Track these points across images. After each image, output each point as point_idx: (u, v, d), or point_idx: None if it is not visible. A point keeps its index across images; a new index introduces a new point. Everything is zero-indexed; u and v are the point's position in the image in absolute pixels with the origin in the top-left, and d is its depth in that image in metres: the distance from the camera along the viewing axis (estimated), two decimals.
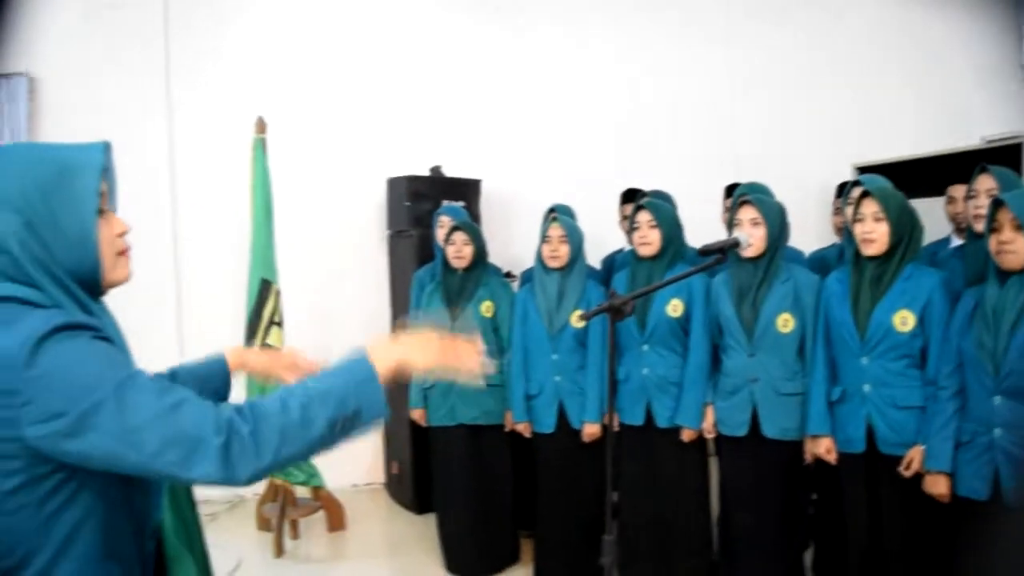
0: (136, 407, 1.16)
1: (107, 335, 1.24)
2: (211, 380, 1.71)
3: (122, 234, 1.35)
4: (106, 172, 1.32)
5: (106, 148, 1.32)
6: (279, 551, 4.48)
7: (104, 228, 1.30)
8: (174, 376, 1.64)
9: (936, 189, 4.03)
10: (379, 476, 5.63)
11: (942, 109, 5.37)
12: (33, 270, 1.23)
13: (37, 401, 1.14)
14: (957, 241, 3.69)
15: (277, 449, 1.21)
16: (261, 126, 4.55)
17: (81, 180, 1.26)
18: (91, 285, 1.30)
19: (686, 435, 3.49)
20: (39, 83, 5.22)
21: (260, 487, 4.96)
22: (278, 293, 4.50)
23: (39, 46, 5.21)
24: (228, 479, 1.18)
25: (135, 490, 1.32)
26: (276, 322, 4.47)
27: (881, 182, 3.11)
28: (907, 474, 2.87)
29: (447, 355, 1.42)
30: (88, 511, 1.25)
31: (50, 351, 1.15)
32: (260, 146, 4.53)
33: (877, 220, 2.92)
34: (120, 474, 1.22)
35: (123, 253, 1.35)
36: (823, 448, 3.12)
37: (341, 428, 1.26)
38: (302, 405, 1.24)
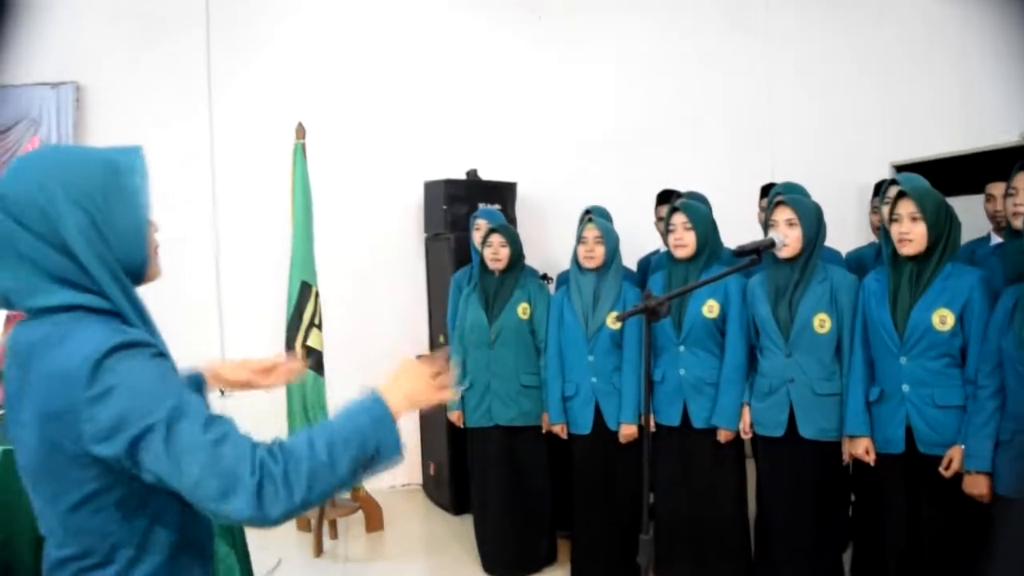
0: (183, 437, 1.21)
1: (163, 350, 1.29)
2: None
3: (156, 232, 1.42)
4: (146, 174, 1.39)
5: (141, 151, 1.38)
6: (318, 550, 4.55)
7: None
8: None
9: (976, 187, 3.99)
10: (416, 477, 5.68)
11: (981, 106, 5.30)
12: (96, 268, 1.27)
13: (96, 420, 1.20)
14: (997, 239, 3.65)
15: (307, 490, 1.25)
16: (301, 132, 4.63)
17: (131, 180, 1.33)
18: (136, 280, 1.37)
19: (723, 436, 3.50)
20: (85, 91, 5.34)
21: None
22: (317, 295, 4.58)
23: (86, 55, 5.33)
24: (259, 519, 1.22)
25: None
26: (316, 324, 4.55)
27: (917, 181, 3.09)
28: (947, 474, 2.85)
29: (436, 389, 1.49)
30: (163, 508, 1.31)
31: (109, 371, 1.20)
32: (300, 151, 4.62)
33: (914, 220, 2.91)
34: None
35: (156, 250, 1.42)
36: (861, 448, 3.11)
37: (362, 468, 1.32)
38: (328, 446, 1.28)
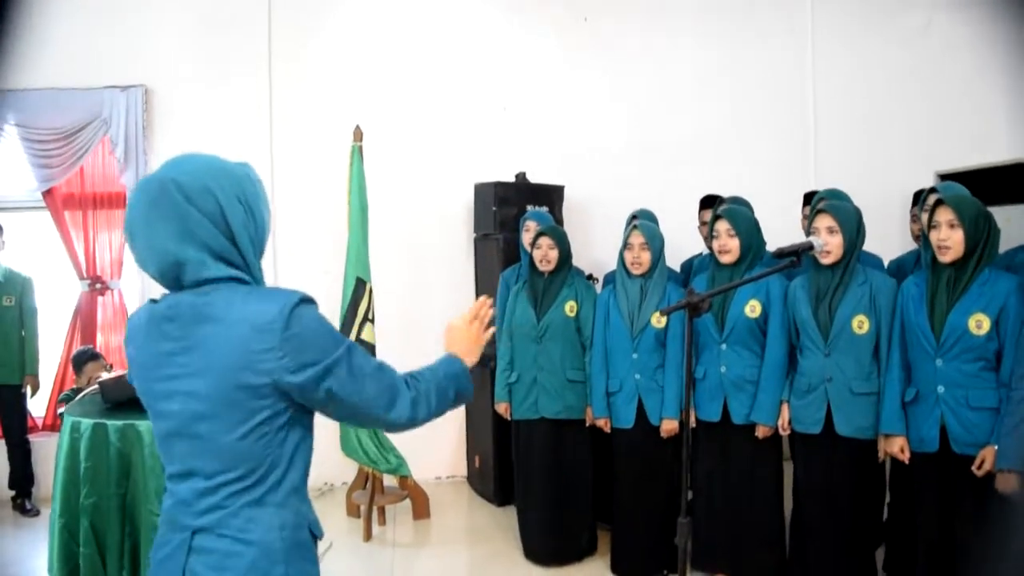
0: (360, 366, 1.61)
1: None
2: None
3: None
4: None
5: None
6: (367, 535, 4.73)
7: None
8: None
9: (1021, 196, 4.05)
10: (462, 469, 5.85)
11: None
12: (248, 250, 1.60)
13: (292, 355, 1.52)
14: None
15: (437, 404, 1.73)
16: (358, 134, 4.83)
17: (260, 186, 1.67)
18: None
19: (761, 432, 3.61)
20: (153, 94, 5.60)
21: (349, 475, 5.24)
22: (371, 291, 4.77)
23: (154, 60, 5.59)
24: (411, 420, 1.68)
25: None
26: (369, 319, 4.74)
27: (956, 189, 3.18)
28: (979, 473, 2.94)
29: (477, 335, 1.94)
30: (302, 436, 1.64)
31: (300, 317, 1.53)
32: (357, 153, 4.82)
33: (952, 227, 3.00)
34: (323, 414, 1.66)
35: None
36: (896, 447, 3.20)
37: (456, 398, 1.80)
38: (442, 378, 1.77)
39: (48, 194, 5.51)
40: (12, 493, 5.35)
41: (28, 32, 5.43)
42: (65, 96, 5.46)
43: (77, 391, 4.33)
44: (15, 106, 5.44)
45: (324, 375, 1.55)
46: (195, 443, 1.58)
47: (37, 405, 5.58)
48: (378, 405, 1.63)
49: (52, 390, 5.59)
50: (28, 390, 5.35)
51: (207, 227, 1.54)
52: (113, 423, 2.79)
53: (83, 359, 4.83)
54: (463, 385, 1.82)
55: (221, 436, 1.56)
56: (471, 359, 1.89)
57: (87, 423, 2.79)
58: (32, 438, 5.43)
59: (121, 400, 2.93)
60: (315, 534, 1.69)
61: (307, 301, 1.57)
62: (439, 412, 1.75)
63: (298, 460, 1.64)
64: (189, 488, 1.59)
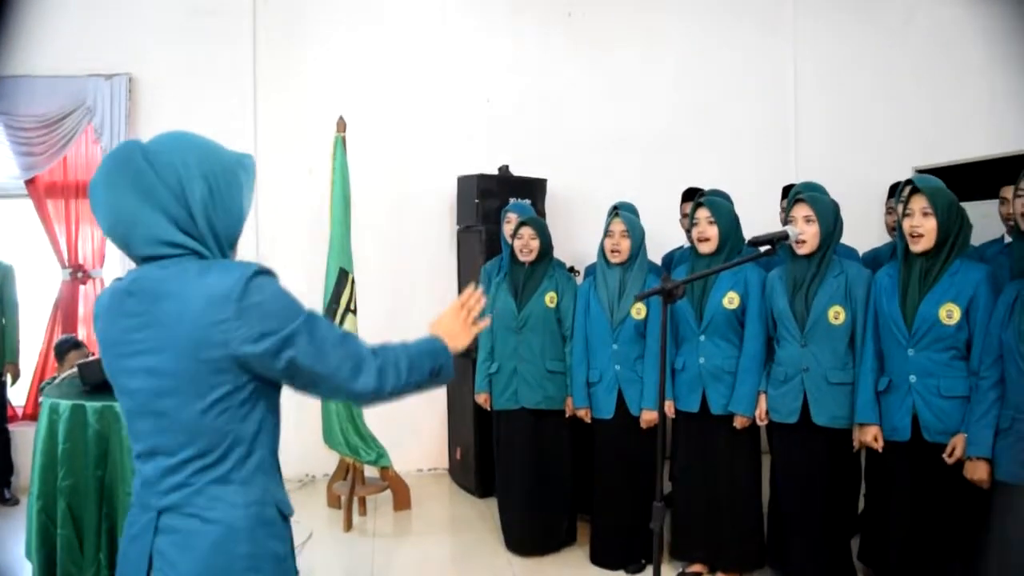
0: (321, 334, 1.56)
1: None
2: None
3: None
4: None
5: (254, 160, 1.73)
6: (348, 526, 4.75)
7: None
8: None
9: (997, 192, 4.09)
10: (443, 462, 5.87)
11: (1006, 112, 5.38)
12: (203, 225, 1.56)
13: (249, 325, 1.49)
14: (1009, 240, 3.76)
15: (407, 377, 1.66)
16: (342, 125, 4.84)
17: (248, 175, 1.66)
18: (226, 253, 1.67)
19: (739, 422, 3.65)
20: (137, 83, 5.60)
21: (331, 466, 5.25)
22: (354, 282, 4.79)
23: (138, 49, 5.59)
24: (377, 391, 1.62)
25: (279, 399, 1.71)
26: (351, 309, 4.76)
27: (931, 180, 3.22)
28: (950, 461, 2.99)
29: (468, 326, 1.90)
30: (265, 413, 1.61)
31: (257, 287, 1.51)
32: (340, 144, 4.83)
33: (925, 215, 3.05)
34: (278, 385, 1.62)
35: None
36: (870, 436, 3.25)
37: (432, 377, 1.73)
38: (417, 352, 1.71)
39: (31, 182, 5.50)
40: None
41: (13, 19, 5.42)
42: (49, 84, 5.45)
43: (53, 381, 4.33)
44: None
45: (284, 344, 1.52)
46: (158, 420, 1.57)
47: (18, 394, 5.56)
48: (341, 375, 1.58)
49: (33, 379, 5.57)
50: (8, 378, 5.33)
51: (165, 195, 1.53)
52: (91, 404, 2.80)
53: (65, 348, 4.82)
54: (440, 362, 1.75)
55: (182, 412, 1.54)
56: (455, 343, 1.84)
57: (65, 404, 2.80)
58: (12, 427, 5.41)
59: (100, 382, 2.94)
60: (283, 512, 1.66)
61: (265, 272, 1.55)
62: (413, 386, 1.69)
63: (264, 437, 1.62)
64: (154, 467, 1.58)
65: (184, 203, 1.54)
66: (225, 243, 1.62)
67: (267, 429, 1.62)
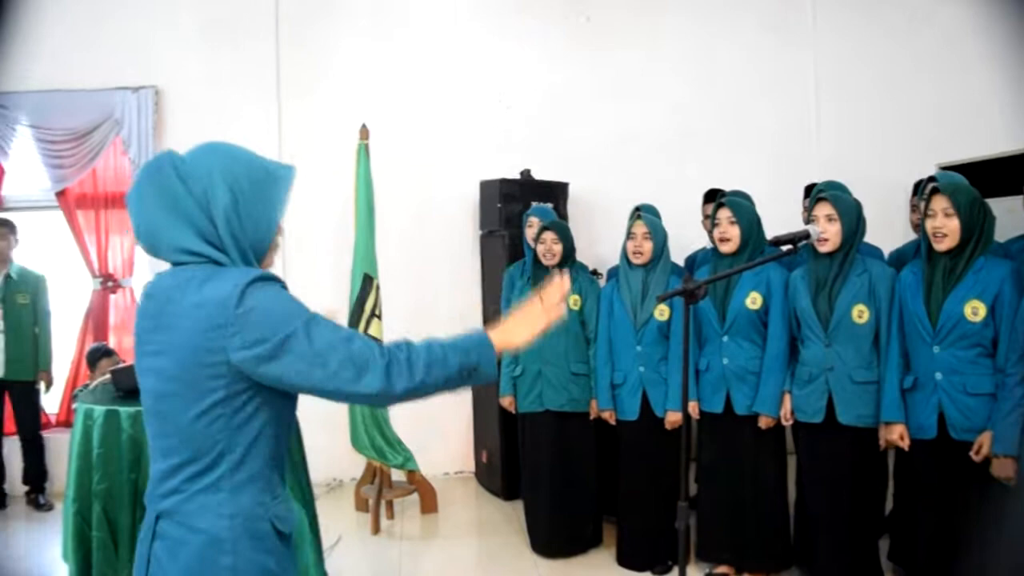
0: (320, 337, 1.52)
1: (287, 288, 1.61)
2: None
3: (280, 233, 1.74)
4: (291, 187, 1.71)
5: (294, 171, 1.73)
6: (376, 528, 4.79)
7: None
8: None
9: (1021, 188, 4.07)
10: (469, 465, 5.90)
11: None
12: (226, 237, 1.59)
13: (244, 331, 1.50)
14: None
15: (424, 375, 1.56)
16: (365, 133, 4.90)
17: (278, 187, 1.67)
18: (256, 263, 1.68)
19: (764, 422, 3.65)
20: (164, 95, 5.69)
21: (358, 470, 5.30)
22: (378, 287, 4.83)
23: (164, 61, 5.68)
24: (386, 390, 1.53)
25: (293, 411, 1.70)
26: (376, 314, 4.80)
27: (952, 178, 3.21)
28: (977, 458, 2.98)
29: (542, 316, 1.73)
30: (265, 424, 1.59)
31: (253, 294, 1.52)
32: (363, 151, 4.89)
33: (947, 215, 3.05)
34: (288, 395, 1.62)
35: (275, 248, 1.75)
36: (896, 434, 3.25)
37: (466, 375, 1.62)
38: (442, 348, 1.60)
39: (61, 194, 5.60)
40: (26, 488, 5.43)
41: (41, 34, 5.54)
42: (78, 97, 5.55)
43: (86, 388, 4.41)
44: (28, 107, 5.53)
45: (278, 350, 1.50)
46: (160, 422, 1.61)
47: (51, 401, 5.66)
48: (343, 378, 1.52)
49: (65, 387, 5.67)
50: (42, 386, 5.44)
51: (190, 205, 1.57)
52: (125, 410, 2.87)
53: (97, 355, 4.90)
54: (474, 360, 1.62)
55: (179, 416, 1.56)
56: (513, 337, 1.70)
57: (100, 410, 2.87)
58: (45, 434, 5.51)
59: (132, 388, 3.00)
60: (278, 528, 1.63)
61: (266, 279, 1.55)
62: (435, 385, 1.59)
63: (261, 447, 1.60)
64: (156, 469, 1.62)
65: (208, 213, 1.58)
66: (251, 252, 1.64)
67: (266, 441, 1.61)
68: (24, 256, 5.47)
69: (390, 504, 5.04)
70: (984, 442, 2.96)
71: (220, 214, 1.58)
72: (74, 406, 4.68)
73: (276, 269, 5.24)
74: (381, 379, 1.53)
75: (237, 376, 1.53)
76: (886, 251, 4.25)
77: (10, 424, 5.42)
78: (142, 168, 1.62)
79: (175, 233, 1.58)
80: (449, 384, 1.61)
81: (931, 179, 3.26)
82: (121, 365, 3.54)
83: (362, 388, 1.53)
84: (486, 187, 5.55)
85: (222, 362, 1.51)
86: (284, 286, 1.60)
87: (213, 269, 1.57)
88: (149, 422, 1.64)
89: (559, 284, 1.76)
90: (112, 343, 5.58)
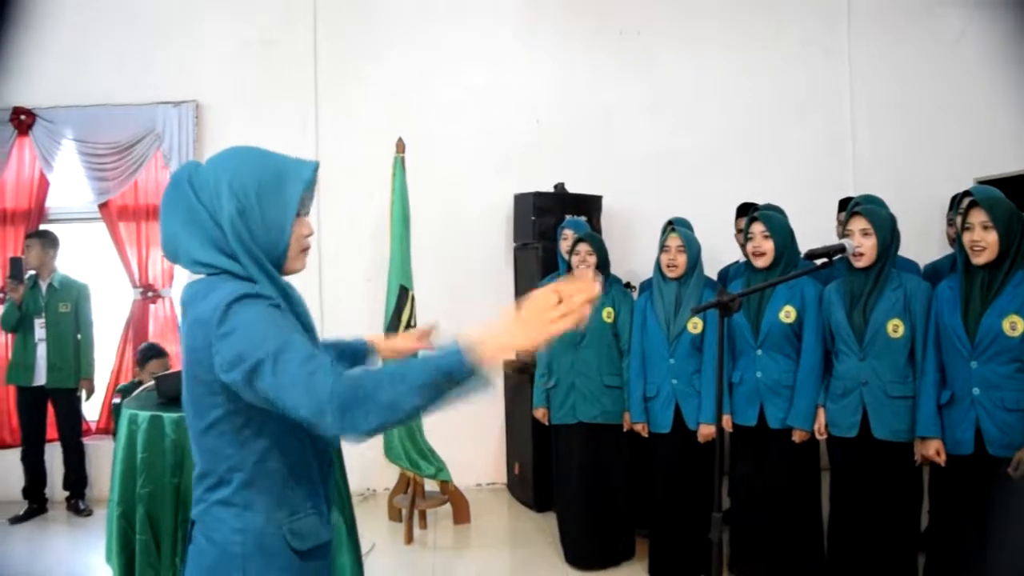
0: (285, 369, 1.41)
1: (278, 303, 1.55)
2: (355, 360, 2.05)
3: (308, 235, 1.68)
4: (310, 185, 1.64)
5: (316, 167, 1.65)
6: (409, 538, 4.83)
7: (296, 227, 1.63)
8: (327, 348, 1.96)
9: None
10: (501, 476, 5.93)
11: None
12: (236, 245, 1.56)
13: (223, 353, 1.47)
14: None
15: (388, 412, 1.38)
16: (401, 146, 4.96)
17: (290, 187, 1.60)
18: (276, 267, 1.63)
19: (797, 436, 3.63)
20: (204, 109, 5.81)
21: (391, 480, 5.35)
22: (413, 299, 4.89)
23: (204, 77, 5.81)
24: (348, 432, 1.40)
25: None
26: (412, 325, 4.85)
27: (990, 192, 3.19)
28: (1016, 475, 2.95)
29: (552, 319, 1.41)
30: (275, 439, 1.57)
31: (235, 313, 1.47)
32: (400, 164, 4.95)
33: (985, 229, 3.03)
34: None
35: (305, 250, 1.69)
36: (932, 450, 3.22)
37: (436, 389, 1.38)
38: (403, 366, 1.42)
39: (104, 206, 5.74)
40: (66, 494, 5.53)
41: (86, 52, 5.69)
42: (121, 112, 5.70)
43: (136, 384, 4.50)
44: (74, 122, 5.68)
45: (251, 374, 1.43)
46: (188, 430, 1.64)
47: (91, 408, 5.77)
48: (303, 415, 1.41)
49: (105, 394, 5.78)
50: (83, 393, 5.54)
51: (203, 215, 1.56)
52: (169, 415, 2.93)
53: (149, 355, 5.00)
54: (447, 364, 1.38)
55: (192, 428, 1.59)
56: (511, 340, 1.42)
57: (144, 415, 2.93)
58: (86, 440, 5.62)
59: (175, 395, 3.07)
60: (293, 546, 1.60)
61: (250, 297, 1.50)
62: (407, 413, 1.41)
63: (273, 464, 1.58)
64: (193, 476, 1.65)
65: (217, 222, 1.56)
66: (264, 258, 1.59)
67: (278, 457, 1.58)
68: (67, 266, 5.61)
69: (423, 514, 5.07)
70: (1022, 458, 2.94)
71: (226, 222, 1.55)
72: (114, 401, 4.78)
73: (313, 280, 5.34)
74: (337, 422, 1.38)
75: (231, 396, 1.51)
76: (922, 265, 4.23)
77: (51, 430, 5.54)
78: (169, 181, 1.63)
79: (191, 244, 1.57)
80: (422, 405, 1.40)
81: (968, 193, 3.25)
82: (165, 372, 3.62)
83: (320, 429, 1.42)
84: (520, 200, 5.59)
85: (215, 380, 1.50)
86: (273, 303, 1.53)
87: (214, 282, 1.55)
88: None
89: (590, 282, 1.44)
90: None
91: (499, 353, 1.41)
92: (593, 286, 1.43)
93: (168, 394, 3.13)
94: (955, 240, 3.66)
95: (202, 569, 1.58)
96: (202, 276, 1.59)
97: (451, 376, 1.38)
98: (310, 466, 1.66)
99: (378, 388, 1.38)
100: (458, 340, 1.41)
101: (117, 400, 3.34)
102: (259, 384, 1.43)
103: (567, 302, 1.40)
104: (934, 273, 4.07)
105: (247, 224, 1.56)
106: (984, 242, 3.04)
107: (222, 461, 1.56)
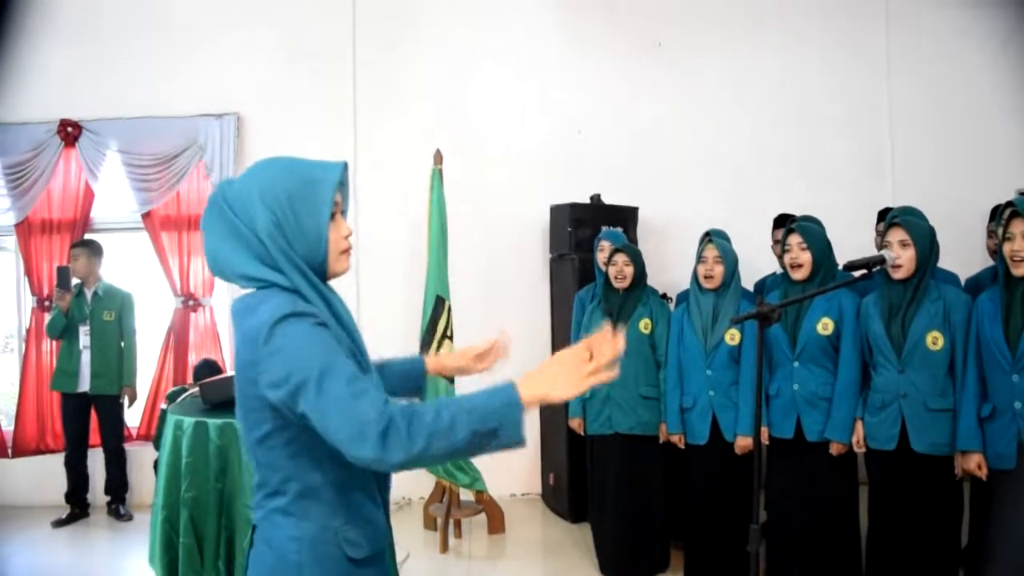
0: (329, 390, 1.45)
1: (325, 321, 1.56)
2: (410, 379, 2.08)
3: (347, 236, 1.69)
4: (342, 186, 1.67)
5: (344, 167, 1.67)
6: (444, 547, 4.85)
7: (333, 230, 1.64)
8: (383, 367, 2.00)
9: None
10: (536, 487, 5.94)
11: None
12: (278, 257, 1.57)
13: (269, 371, 1.50)
14: None
15: (425, 446, 1.42)
16: (439, 158, 5.01)
17: (321, 191, 1.60)
18: (319, 273, 1.65)
19: (835, 449, 3.60)
20: (245, 122, 5.92)
21: (427, 489, 5.38)
22: (450, 309, 4.92)
23: (246, 89, 5.93)
24: (380, 461, 1.42)
25: None
26: (448, 336, 4.89)
27: None
28: None
29: (587, 373, 1.52)
30: (328, 450, 1.51)
31: (280, 332, 1.49)
32: (437, 176, 5.00)
33: None
34: None
35: (346, 251, 1.70)
36: (973, 464, 3.19)
37: (480, 441, 1.45)
38: (452, 415, 1.44)
39: (147, 216, 5.85)
40: (108, 499, 5.63)
41: (131, 65, 5.82)
42: (164, 124, 5.83)
43: (182, 390, 4.59)
44: (118, 133, 5.81)
45: (294, 394, 1.47)
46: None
47: (132, 415, 5.87)
48: (340, 438, 1.44)
49: (146, 401, 5.87)
50: (126, 400, 5.64)
51: (243, 231, 1.58)
52: (213, 421, 2.99)
53: (204, 373, 5.08)
54: (490, 422, 1.44)
55: (246, 439, 1.63)
56: (552, 391, 1.50)
57: (189, 421, 2.99)
58: (127, 446, 5.72)
59: (219, 401, 3.13)
60: (348, 554, 1.62)
61: (297, 316, 1.51)
62: (434, 455, 1.44)
63: (326, 475, 1.60)
64: (253, 482, 1.70)
65: (257, 236, 1.58)
66: (305, 266, 1.60)
67: (332, 467, 1.59)
68: (111, 275, 5.72)
69: (458, 523, 5.10)
70: None
71: (265, 235, 1.57)
72: (162, 406, 4.85)
73: (351, 289, 5.40)
74: (375, 448, 1.41)
75: (276, 411, 1.54)
76: (964, 278, 4.19)
77: (94, 436, 5.64)
78: (207, 202, 1.65)
79: (236, 260, 1.59)
80: (459, 453, 1.47)
81: (1009, 204, 3.21)
82: (210, 379, 3.70)
83: (356, 452, 1.44)
84: (556, 211, 5.62)
85: (260, 396, 1.54)
86: (319, 321, 1.54)
87: (262, 296, 1.57)
88: None
89: (613, 342, 1.54)
90: (191, 360, 5.77)
91: (535, 403, 1.49)
92: (618, 344, 1.54)
93: (213, 400, 3.19)
94: (996, 252, 3.63)
95: (262, 573, 1.62)
96: (251, 290, 1.62)
97: (496, 431, 1.45)
98: (366, 474, 1.66)
99: (421, 427, 1.42)
100: (516, 392, 1.47)
101: (164, 406, 3.41)
102: (303, 404, 1.46)
103: (597, 358, 1.51)
104: (976, 286, 4.03)
105: (284, 233, 1.58)
106: None
107: (276, 472, 1.59)
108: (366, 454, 1.41)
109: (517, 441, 1.47)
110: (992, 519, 2.81)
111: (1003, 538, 2.73)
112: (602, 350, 1.52)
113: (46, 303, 5.67)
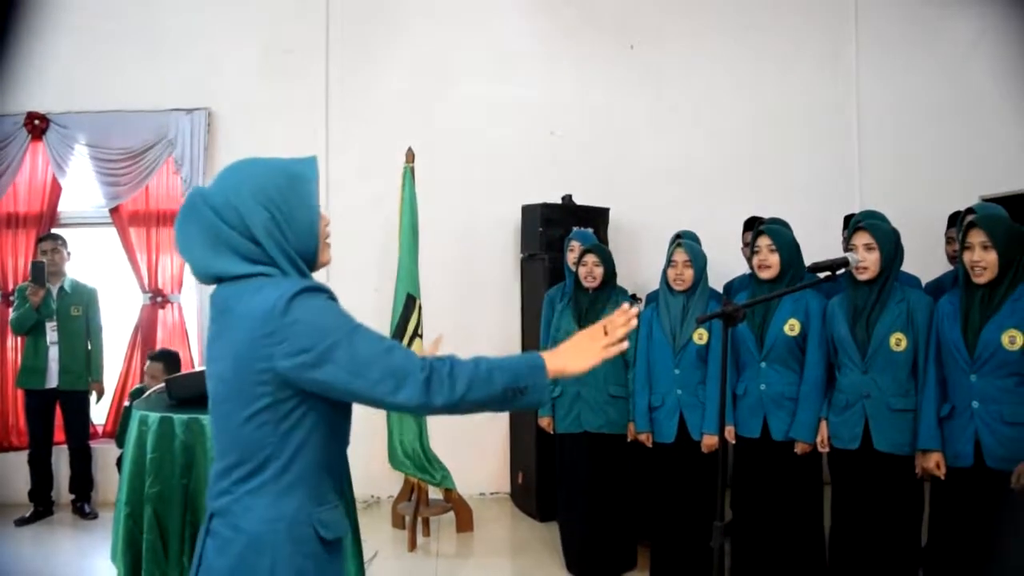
0: (361, 348, 1.57)
1: (335, 297, 1.66)
2: None
3: (327, 225, 1.77)
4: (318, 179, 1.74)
5: (315, 160, 1.73)
6: (412, 545, 4.85)
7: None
8: None
9: None
10: (505, 486, 5.95)
11: None
12: (275, 253, 1.64)
13: (289, 340, 1.55)
14: None
15: (465, 391, 1.58)
16: (410, 156, 5.01)
17: (306, 186, 1.69)
18: (309, 265, 1.73)
19: (800, 448, 3.65)
20: (216, 117, 5.88)
21: (396, 487, 5.38)
22: (420, 307, 4.93)
23: (217, 84, 5.88)
24: (425, 404, 1.57)
25: (344, 420, 1.74)
26: (418, 334, 4.90)
27: (991, 210, 3.23)
28: (1019, 488, 2.97)
29: (602, 347, 1.73)
30: (312, 430, 1.64)
31: (300, 304, 1.56)
32: (409, 174, 5.00)
33: (985, 249, 3.06)
34: (339, 404, 1.65)
35: (327, 240, 1.79)
36: (932, 463, 3.24)
37: (511, 396, 1.62)
38: (489, 367, 1.61)
39: (115, 211, 5.79)
40: (72, 496, 5.57)
41: (100, 58, 5.76)
42: (133, 118, 5.76)
43: (145, 387, 4.56)
44: (87, 127, 5.75)
45: (322, 359, 1.55)
46: (218, 426, 1.69)
47: (98, 413, 5.81)
48: (382, 389, 1.56)
49: (112, 398, 5.82)
50: (94, 396, 5.59)
51: (231, 234, 1.63)
52: (179, 417, 2.97)
53: (163, 361, 5.07)
54: (522, 382, 1.62)
55: (231, 419, 1.64)
56: (572, 364, 1.71)
57: (154, 416, 2.97)
58: (93, 444, 5.66)
59: (185, 397, 3.11)
60: (321, 534, 1.67)
61: (312, 290, 1.60)
62: (477, 402, 1.61)
63: (307, 454, 1.65)
64: (213, 470, 1.71)
65: (250, 236, 1.63)
66: (300, 259, 1.68)
67: (313, 448, 1.65)
68: (77, 270, 5.66)
69: (426, 522, 5.10)
70: (1022, 472, 2.96)
71: (262, 233, 1.63)
72: (126, 404, 4.82)
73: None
74: (420, 392, 1.56)
75: (283, 384, 1.59)
76: (925, 281, 4.26)
77: (58, 433, 5.58)
78: (180, 212, 1.69)
79: (224, 263, 1.65)
80: (492, 404, 1.63)
81: (969, 211, 3.27)
82: (176, 375, 3.67)
83: (400, 400, 1.57)
84: (528, 211, 5.63)
85: (268, 369, 1.57)
86: (332, 296, 1.64)
87: (266, 280, 1.63)
88: (212, 425, 1.73)
89: (627, 317, 1.74)
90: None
91: (556, 374, 1.69)
92: (632, 318, 1.74)
93: (179, 396, 3.17)
94: (955, 257, 3.69)
95: (229, 557, 1.63)
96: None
97: (526, 389, 1.63)
98: (336, 461, 1.75)
99: (468, 370, 1.59)
100: (542, 357, 1.68)
101: (128, 403, 3.40)
102: (329, 366, 1.55)
103: (612, 333, 1.72)
104: (937, 289, 4.09)
105: (280, 229, 1.65)
106: (984, 262, 3.07)
107: (261, 450, 1.62)
108: (411, 399, 1.56)
109: (543, 401, 1.70)
110: (992, 543, 2.87)
111: (1006, 565, 2.79)
112: (616, 323, 1.72)
113: (11, 298, 5.58)
